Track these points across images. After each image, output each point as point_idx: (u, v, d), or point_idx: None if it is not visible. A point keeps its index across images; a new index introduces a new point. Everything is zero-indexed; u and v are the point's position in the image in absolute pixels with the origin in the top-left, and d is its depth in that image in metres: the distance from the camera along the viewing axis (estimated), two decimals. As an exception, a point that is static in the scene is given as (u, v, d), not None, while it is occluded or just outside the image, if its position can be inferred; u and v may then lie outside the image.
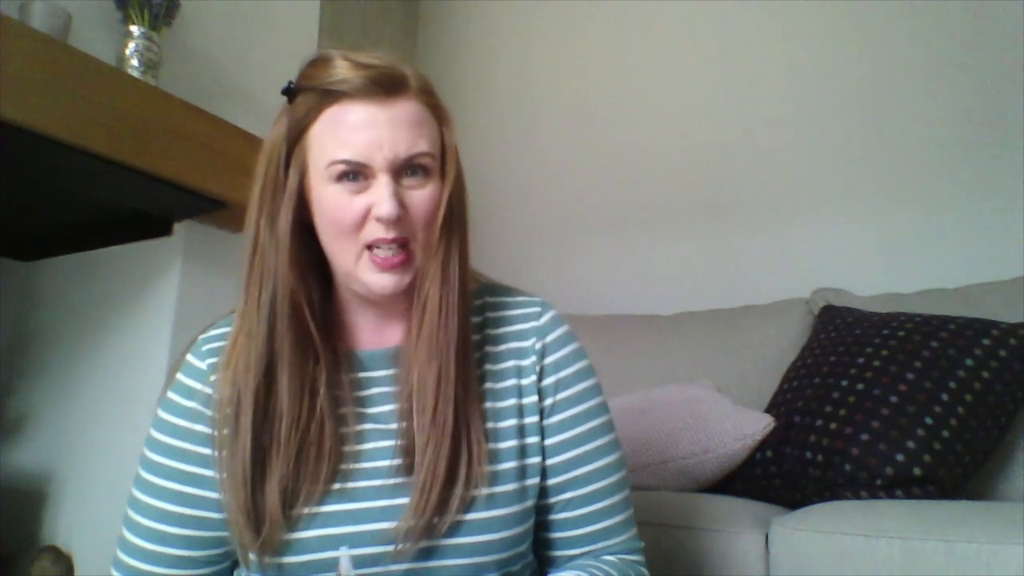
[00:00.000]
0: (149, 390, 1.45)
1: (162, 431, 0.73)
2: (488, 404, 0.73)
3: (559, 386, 0.75)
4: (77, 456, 1.54)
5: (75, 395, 1.58)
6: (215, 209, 1.46)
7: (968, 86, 1.71)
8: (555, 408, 0.75)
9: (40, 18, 1.22)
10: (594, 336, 0.89)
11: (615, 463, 0.76)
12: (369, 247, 0.67)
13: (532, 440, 0.73)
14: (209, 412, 0.70)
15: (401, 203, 0.66)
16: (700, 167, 2.06)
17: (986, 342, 1.19)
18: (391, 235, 0.66)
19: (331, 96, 0.67)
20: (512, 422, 0.73)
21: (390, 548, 0.66)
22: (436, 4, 2.68)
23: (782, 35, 1.99)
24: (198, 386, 0.72)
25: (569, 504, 0.74)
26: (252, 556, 0.67)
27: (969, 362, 1.17)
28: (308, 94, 0.69)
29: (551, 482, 0.73)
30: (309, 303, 0.69)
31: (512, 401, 0.74)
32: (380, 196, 0.65)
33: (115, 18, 1.39)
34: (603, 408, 0.78)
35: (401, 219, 0.66)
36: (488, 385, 0.74)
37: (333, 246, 0.69)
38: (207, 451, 0.70)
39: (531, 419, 0.74)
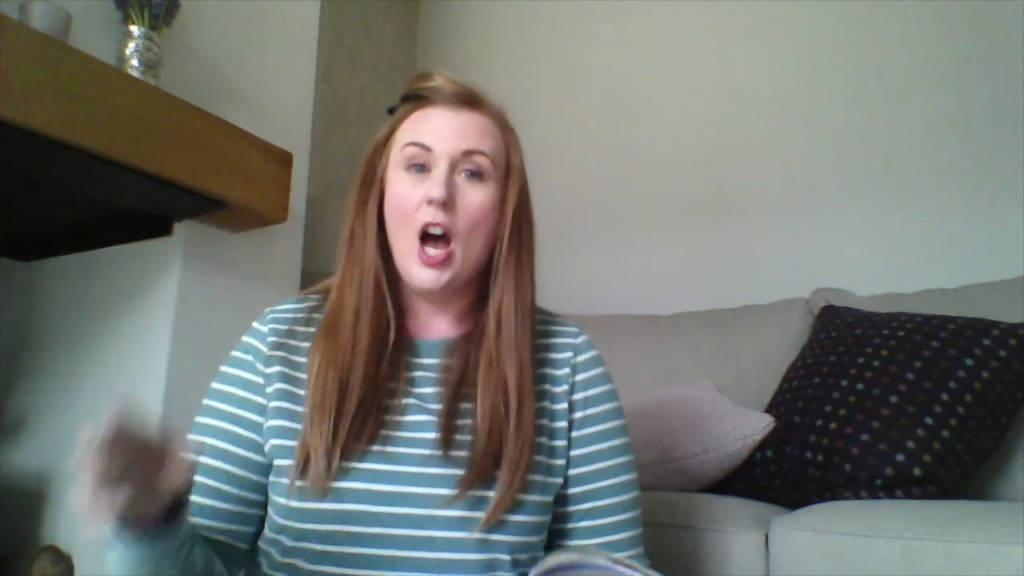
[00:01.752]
0: (149, 390, 1.45)
1: (221, 381, 0.80)
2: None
3: (588, 403, 0.81)
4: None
5: (75, 395, 1.58)
6: (215, 209, 1.46)
7: (968, 86, 1.71)
8: (584, 423, 0.80)
9: (40, 18, 1.21)
10: (594, 336, 0.90)
11: (632, 482, 0.82)
12: (422, 240, 0.75)
13: (560, 443, 0.79)
14: (262, 366, 0.78)
15: (451, 193, 0.74)
16: (700, 167, 2.06)
17: (986, 342, 1.19)
18: (437, 218, 0.73)
19: (422, 101, 0.79)
20: (544, 421, 0.79)
21: (429, 511, 0.70)
22: (436, 4, 2.68)
23: (782, 35, 1.99)
24: (257, 344, 0.79)
25: (588, 514, 0.79)
26: (284, 500, 0.71)
27: (969, 362, 1.17)
28: (406, 102, 0.80)
29: (573, 491, 0.79)
30: (388, 284, 0.78)
31: (544, 403, 0.80)
32: (435, 178, 0.74)
33: (115, 18, 1.39)
34: (625, 430, 0.84)
35: (448, 206, 0.74)
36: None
37: (395, 233, 0.77)
38: (258, 399, 0.77)
39: (560, 424, 0.79)
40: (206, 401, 0.79)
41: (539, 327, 0.84)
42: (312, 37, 1.91)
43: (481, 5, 2.58)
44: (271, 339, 0.79)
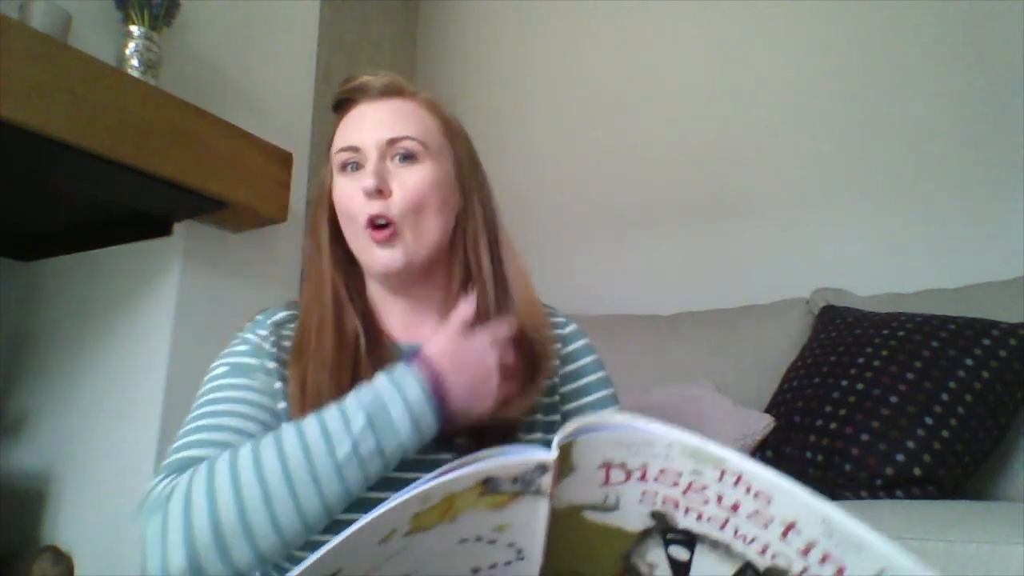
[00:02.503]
0: (149, 390, 1.45)
1: (226, 358, 0.75)
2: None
3: (580, 393, 0.81)
4: (77, 456, 1.54)
5: (75, 395, 1.58)
6: (215, 209, 1.46)
7: (968, 86, 1.70)
8: (577, 412, 0.79)
9: (40, 18, 1.22)
10: (594, 336, 0.90)
11: None
12: (369, 227, 0.74)
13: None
14: (271, 364, 0.73)
15: (383, 179, 0.73)
16: (700, 167, 2.06)
17: (986, 342, 1.19)
18: (376, 208, 0.72)
19: (349, 103, 0.79)
20: (538, 416, 0.77)
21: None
22: (436, 4, 2.68)
23: (781, 35, 1.99)
24: (257, 340, 0.75)
25: None
26: None
27: (969, 362, 1.17)
28: (338, 109, 0.81)
29: None
30: (351, 294, 0.77)
31: (540, 416, 0.78)
32: (365, 172, 0.74)
33: (115, 18, 1.39)
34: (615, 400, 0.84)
35: (383, 193, 0.73)
36: None
37: (348, 233, 0.76)
38: (271, 366, 0.73)
39: (553, 418, 0.78)
40: (212, 393, 0.71)
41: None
42: (312, 37, 1.91)
43: (481, 5, 2.58)
44: (272, 339, 0.75)
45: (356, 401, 0.62)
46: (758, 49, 2.02)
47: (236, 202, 1.44)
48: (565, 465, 0.42)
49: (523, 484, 0.42)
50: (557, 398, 0.80)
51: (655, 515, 0.45)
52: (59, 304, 1.66)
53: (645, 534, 0.46)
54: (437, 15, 2.66)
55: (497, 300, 0.76)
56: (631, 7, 2.25)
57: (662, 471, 0.42)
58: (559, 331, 0.84)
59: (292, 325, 0.78)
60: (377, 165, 0.73)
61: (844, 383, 1.24)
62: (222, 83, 1.63)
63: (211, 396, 0.71)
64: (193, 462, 0.63)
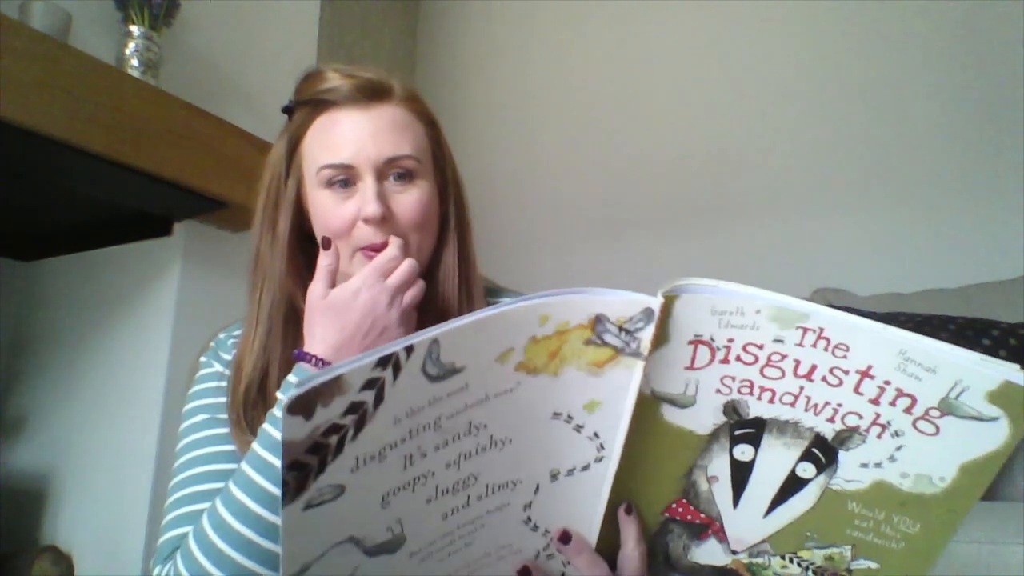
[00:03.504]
0: (149, 390, 1.45)
1: (197, 398, 0.74)
2: None
3: None
4: (77, 456, 1.54)
5: (75, 395, 1.58)
6: (215, 209, 1.46)
7: (968, 86, 1.70)
8: None
9: (40, 18, 1.21)
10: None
11: None
12: (368, 249, 0.69)
13: None
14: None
15: (387, 205, 0.68)
16: (699, 167, 2.06)
17: (986, 342, 1.19)
18: (379, 239, 0.68)
19: (322, 105, 0.71)
20: None
21: None
22: (436, 4, 2.68)
23: (782, 36, 1.99)
24: (222, 368, 0.74)
25: None
26: None
27: (969, 362, 1.17)
28: (302, 107, 0.73)
29: None
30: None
31: None
32: (365, 198, 0.68)
33: (115, 18, 1.39)
34: None
35: (387, 219, 0.68)
36: None
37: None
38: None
39: None
40: (192, 437, 0.71)
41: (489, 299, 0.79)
42: (312, 37, 1.91)
43: (481, 5, 2.58)
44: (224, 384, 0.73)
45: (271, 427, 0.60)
46: (759, 50, 2.02)
47: (236, 202, 1.44)
48: (662, 330, 0.44)
49: (626, 337, 0.44)
50: None
51: (727, 409, 0.48)
52: (59, 304, 1.66)
53: (712, 438, 0.49)
54: (437, 15, 2.66)
55: (460, 293, 0.73)
56: (631, 8, 2.25)
57: (745, 347, 0.44)
58: None
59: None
60: (377, 189, 0.68)
61: (844, 383, 1.24)
62: (222, 83, 1.63)
63: (190, 456, 0.70)
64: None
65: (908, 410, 0.43)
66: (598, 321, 0.44)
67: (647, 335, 0.44)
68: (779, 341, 0.44)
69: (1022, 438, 0.42)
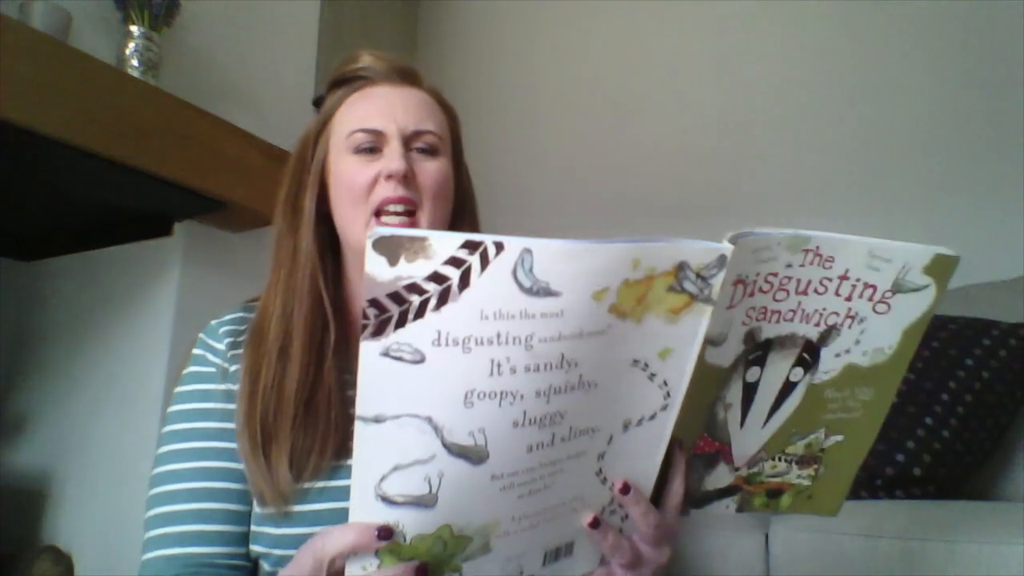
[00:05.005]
0: (149, 390, 1.46)
1: (184, 400, 0.72)
2: None
3: None
4: (77, 456, 1.54)
5: (75, 395, 1.58)
6: (215, 209, 1.46)
7: (968, 86, 1.70)
8: None
9: (40, 18, 1.21)
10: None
11: None
12: (377, 214, 0.70)
13: None
14: (225, 384, 0.70)
15: (410, 166, 0.70)
16: (700, 167, 2.06)
17: (986, 342, 1.19)
18: (399, 193, 0.69)
19: (357, 82, 0.75)
20: None
21: None
22: (436, 4, 2.68)
23: (782, 35, 1.99)
24: (217, 359, 0.72)
25: None
26: (255, 527, 0.66)
27: (969, 362, 1.17)
28: (336, 88, 0.76)
29: None
30: (326, 280, 0.72)
31: None
32: (390, 156, 0.70)
33: (115, 18, 1.39)
34: None
35: (408, 179, 0.70)
36: None
37: (348, 216, 0.72)
38: (229, 406, 0.69)
39: None
40: (172, 447, 0.69)
41: None
42: (312, 37, 1.91)
43: (481, 5, 2.58)
44: (230, 353, 0.72)
45: None
46: (759, 49, 2.02)
47: (236, 202, 1.44)
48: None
49: (701, 284, 0.46)
50: None
51: (746, 338, 0.52)
52: (59, 304, 1.66)
53: (732, 368, 0.53)
54: (437, 15, 2.66)
55: None
56: (631, 8, 2.26)
57: (766, 277, 0.49)
58: None
59: (248, 316, 0.75)
60: (402, 151, 0.70)
61: (844, 383, 1.24)
62: (222, 83, 1.63)
63: (168, 469, 0.68)
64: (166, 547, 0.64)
65: (871, 298, 0.52)
66: (680, 268, 0.45)
67: (719, 281, 0.46)
68: (789, 266, 0.50)
69: (941, 296, 0.53)
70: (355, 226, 0.71)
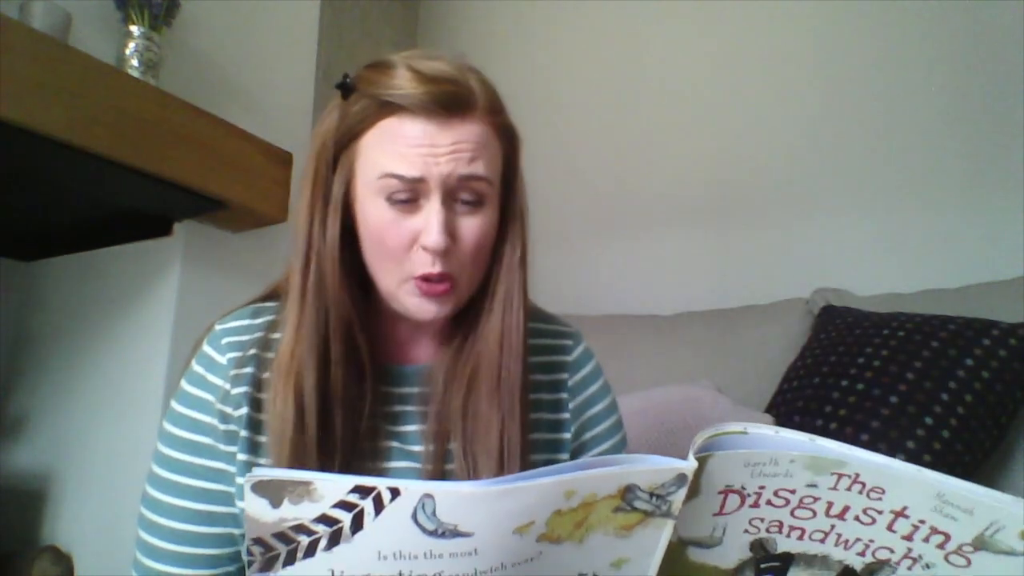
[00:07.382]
0: (149, 390, 1.46)
1: (178, 425, 0.68)
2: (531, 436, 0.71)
3: (587, 425, 0.77)
4: (77, 456, 1.54)
5: (75, 395, 1.58)
6: (215, 209, 1.46)
7: (968, 86, 1.70)
8: (583, 448, 0.77)
9: (40, 18, 1.21)
10: (594, 336, 0.89)
11: None
12: (421, 280, 0.65)
13: None
14: (224, 408, 0.67)
15: (451, 234, 0.63)
16: (700, 167, 2.06)
17: (986, 342, 1.19)
18: (438, 269, 0.63)
19: (389, 107, 0.62)
20: (544, 456, 0.73)
21: None
22: (436, 4, 2.68)
23: (782, 35, 1.99)
24: (217, 381, 0.68)
25: None
26: None
27: (969, 362, 1.17)
28: (365, 100, 0.64)
29: None
30: (358, 318, 0.67)
31: (544, 435, 0.74)
32: (429, 223, 0.62)
33: (115, 18, 1.39)
34: (624, 443, 0.81)
35: (449, 251, 0.63)
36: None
37: (377, 265, 0.66)
38: (223, 447, 0.67)
39: (563, 455, 0.75)
40: (161, 472, 0.68)
41: (532, 341, 0.73)
42: (312, 37, 1.91)
43: (481, 5, 2.58)
44: (232, 372, 0.67)
45: None
46: (759, 49, 2.02)
47: (236, 202, 1.44)
48: (694, 485, 0.43)
49: (657, 501, 0.42)
50: (567, 416, 0.76)
51: (754, 546, 0.47)
52: (59, 304, 1.66)
53: (737, 571, 0.48)
54: (437, 15, 2.66)
55: (508, 325, 0.68)
56: (632, 7, 2.25)
57: (776, 492, 0.43)
58: (565, 356, 0.78)
59: (255, 324, 0.70)
60: (444, 216, 0.62)
61: (844, 383, 1.24)
62: (222, 83, 1.63)
63: (161, 469, 0.67)
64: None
65: (941, 545, 0.44)
66: (628, 490, 0.42)
67: (679, 498, 0.42)
68: (812, 486, 0.43)
69: None
70: (388, 278, 0.65)
